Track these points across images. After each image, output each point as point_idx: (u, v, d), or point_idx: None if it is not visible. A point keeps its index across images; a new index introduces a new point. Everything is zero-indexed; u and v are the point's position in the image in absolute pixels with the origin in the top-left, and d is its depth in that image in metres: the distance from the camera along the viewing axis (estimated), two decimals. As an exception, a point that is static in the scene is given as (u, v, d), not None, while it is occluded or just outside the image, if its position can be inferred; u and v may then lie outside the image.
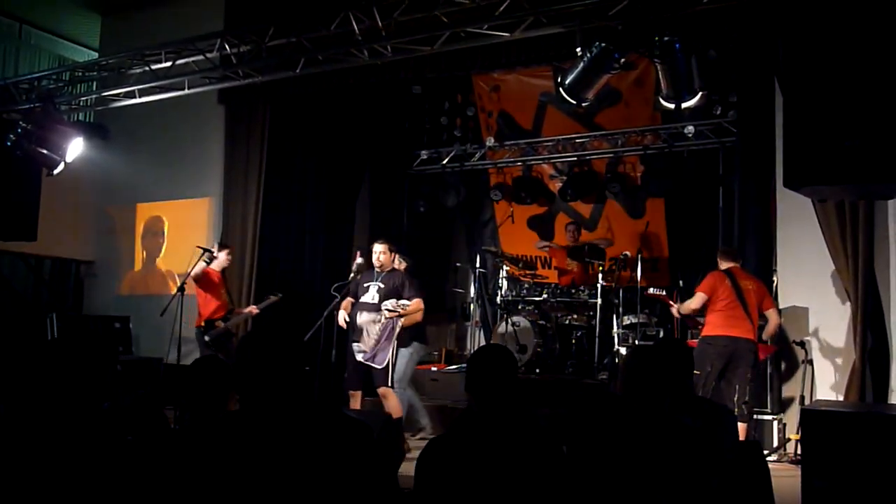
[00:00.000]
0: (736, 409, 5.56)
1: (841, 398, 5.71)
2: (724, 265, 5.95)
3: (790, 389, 6.20)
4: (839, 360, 5.91)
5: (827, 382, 5.99)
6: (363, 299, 6.08)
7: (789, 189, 4.08)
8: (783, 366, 6.33)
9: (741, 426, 5.58)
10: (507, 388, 2.53)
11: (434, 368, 8.12)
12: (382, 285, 6.09)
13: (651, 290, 6.90)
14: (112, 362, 2.99)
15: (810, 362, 5.96)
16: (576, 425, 2.80)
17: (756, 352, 5.74)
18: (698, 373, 5.69)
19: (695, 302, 5.91)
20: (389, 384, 5.89)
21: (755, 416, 6.04)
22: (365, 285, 6.15)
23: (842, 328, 5.93)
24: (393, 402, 5.90)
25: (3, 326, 8.13)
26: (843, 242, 5.76)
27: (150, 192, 9.05)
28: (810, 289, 6.20)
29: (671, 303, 6.42)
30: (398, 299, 6.03)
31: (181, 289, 6.66)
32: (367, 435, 2.12)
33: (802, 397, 5.83)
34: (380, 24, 5.73)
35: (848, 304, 5.82)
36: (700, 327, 6.05)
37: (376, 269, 6.13)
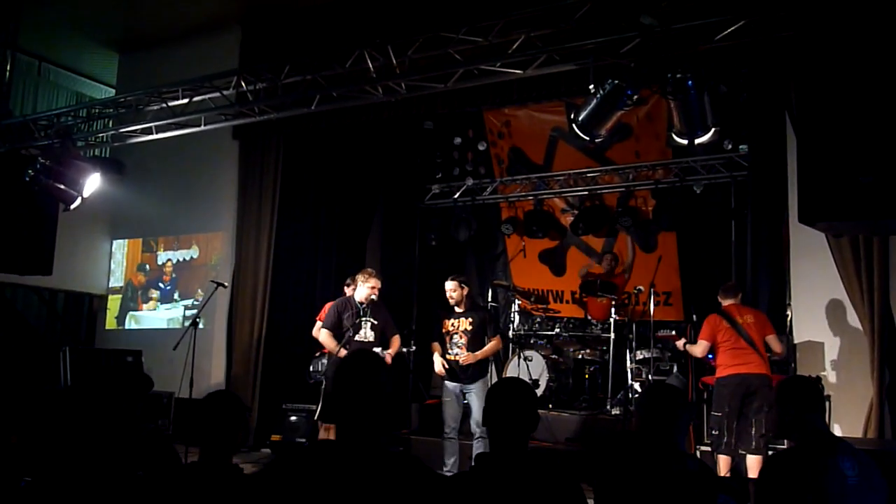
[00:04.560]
0: (754, 444, 5.59)
1: (859, 435, 5.63)
2: (723, 302, 6.02)
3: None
4: (856, 396, 5.83)
5: (844, 419, 5.91)
6: (358, 338, 6.00)
7: (804, 224, 4.08)
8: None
9: (756, 459, 5.56)
10: (526, 423, 2.52)
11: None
12: (375, 321, 6.05)
13: (660, 333, 6.97)
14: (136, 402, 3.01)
15: (827, 398, 5.88)
16: (597, 463, 2.78)
17: (771, 384, 5.70)
18: (718, 414, 5.68)
19: (698, 349, 6.01)
20: None
21: (769, 452, 5.96)
22: (356, 321, 6.05)
23: (858, 363, 5.87)
24: None
25: (17, 360, 8.16)
26: (857, 276, 5.73)
27: (164, 226, 9.13)
28: (825, 323, 6.15)
29: (677, 341, 6.45)
30: (384, 334, 6.12)
31: (194, 323, 6.68)
32: (419, 468, 2.10)
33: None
34: (394, 61, 5.81)
35: (864, 338, 5.77)
36: (711, 362, 6.07)
37: (361, 304, 6.07)
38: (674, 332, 6.82)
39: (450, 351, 6.09)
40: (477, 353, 6.01)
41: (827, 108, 3.91)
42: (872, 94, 3.79)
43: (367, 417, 2.08)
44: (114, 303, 9.48)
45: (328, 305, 6.92)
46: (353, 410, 2.07)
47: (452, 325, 6.12)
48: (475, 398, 5.96)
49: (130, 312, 9.28)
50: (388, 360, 5.97)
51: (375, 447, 2.07)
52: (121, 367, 7.79)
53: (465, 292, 6.13)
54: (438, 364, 6.10)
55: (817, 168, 3.86)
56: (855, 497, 2.74)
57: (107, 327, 9.46)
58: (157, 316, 9.06)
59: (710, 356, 6.08)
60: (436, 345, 6.21)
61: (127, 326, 9.26)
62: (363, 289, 6.10)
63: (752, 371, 5.67)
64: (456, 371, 6.05)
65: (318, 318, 6.94)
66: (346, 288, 7.03)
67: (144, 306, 9.20)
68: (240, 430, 2.85)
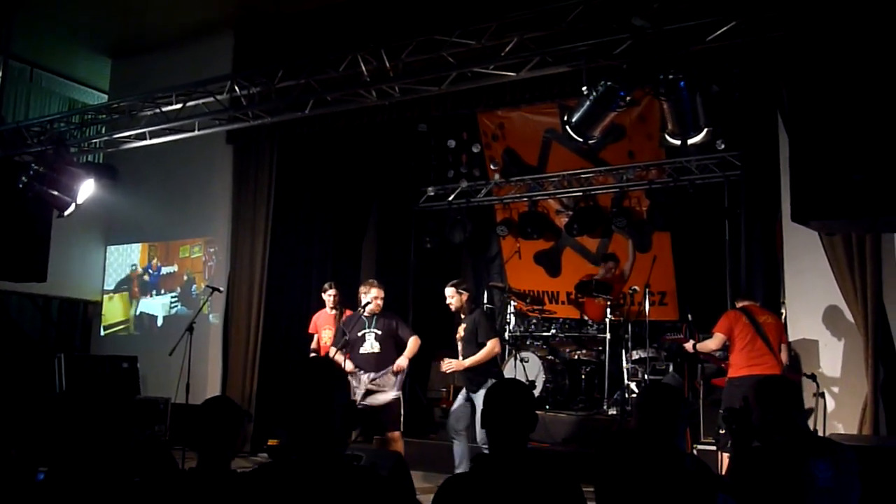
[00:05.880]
0: None
1: (854, 432, 5.66)
2: (739, 303, 6.00)
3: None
4: (851, 394, 5.85)
5: (839, 416, 5.93)
6: (362, 351, 5.95)
7: (797, 223, 4.10)
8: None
9: None
10: (524, 424, 2.52)
11: (444, 406, 8.09)
12: (379, 331, 5.98)
13: (668, 336, 6.98)
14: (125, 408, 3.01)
15: (822, 395, 5.91)
16: (597, 463, 2.79)
17: None
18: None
19: (713, 343, 5.95)
20: (400, 428, 5.88)
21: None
22: (359, 334, 6.00)
23: (853, 361, 5.89)
24: (400, 446, 5.82)
25: (11, 367, 8.13)
26: (851, 274, 5.75)
27: (158, 231, 9.11)
28: (820, 321, 6.16)
29: (685, 343, 6.43)
30: (396, 341, 5.99)
31: (190, 328, 6.67)
32: (378, 482, 2.08)
33: (815, 431, 5.78)
34: (387, 65, 5.81)
35: (858, 336, 5.80)
36: (723, 364, 6.07)
37: (364, 315, 6.03)
38: (680, 335, 6.81)
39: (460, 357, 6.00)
40: (464, 361, 5.84)
41: (818, 106, 3.93)
42: (863, 91, 3.81)
43: (320, 429, 2.05)
44: (112, 304, 9.45)
45: (316, 317, 6.94)
46: (306, 422, 2.04)
47: (458, 332, 6.05)
48: (479, 405, 5.67)
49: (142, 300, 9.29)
50: (402, 366, 5.86)
51: (331, 460, 2.04)
52: (112, 374, 7.77)
53: (465, 298, 5.97)
54: (444, 365, 6.01)
55: (809, 167, 3.88)
56: (824, 499, 2.73)
57: (102, 334, 9.44)
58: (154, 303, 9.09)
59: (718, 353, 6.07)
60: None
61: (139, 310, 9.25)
62: (365, 300, 6.05)
63: (765, 372, 5.61)
64: (463, 379, 5.96)
65: (309, 331, 6.93)
66: (322, 294, 7.02)
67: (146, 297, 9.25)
68: (238, 436, 2.85)
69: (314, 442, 2.03)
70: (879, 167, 3.69)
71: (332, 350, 6.19)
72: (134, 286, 9.33)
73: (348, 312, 6.76)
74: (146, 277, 9.24)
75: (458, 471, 5.77)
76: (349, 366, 5.90)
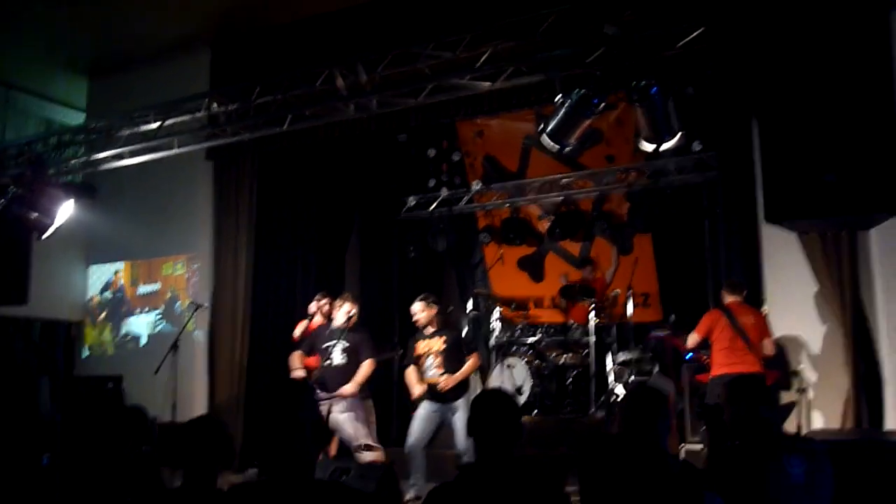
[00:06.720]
0: None
1: (837, 426, 5.74)
2: (726, 299, 6.07)
3: (786, 419, 6.22)
4: (834, 388, 5.93)
5: (822, 411, 6.01)
6: (328, 363, 5.88)
7: (771, 223, 4.17)
8: (778, 396, 6.35)
9: None
10: (509, 433, 2.55)
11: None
12: (347, 344, 5.90)
13: (653, 334, 7.06)
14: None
15: (804, 391, 5.99)
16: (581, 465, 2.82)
17: (764, 382, 5.80)
18: None
19: (689, 341, 6.10)
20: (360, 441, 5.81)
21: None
22: (325, 346, 5.93)
23: (834, 356, 5.97)
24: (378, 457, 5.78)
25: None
26: (828, 270, 5.85)
27: (139, 250, 9.05)
28: (800, 318, 6.26)
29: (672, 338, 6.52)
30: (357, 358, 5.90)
31: (174, 346, 6.64)
32: (347, 497, 2.10)
33: (799, 427, 5.85)
34: (364, 79, 5.85)
35: (838, 331, 5.88)
36: (705, 360, 6.15)
37: (335, 328, 6.00)
38: (669, 333, 6.90)
39: (426, 374, 5.88)
40: (456, 374, 5.79)
41: (788, 107, 4.01)
42: (832, 93, 3.89)
43: (288, 448, 2.10)
44: (97, 326, 9.40)
45: (301, 324, 6.93)
46: (273, 441, 2.10)
47: (425, 346, 5.93)
48: (461, 416, 5.66)
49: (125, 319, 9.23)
50: (347, 392, 5.72)
51: (299, 478, 2.06)
52: (104, 396, 7.71)
53: (434, 311, 5.97)
54: (417, 390, 5.87)
55: (781, 167, 3.96)
56: (798, 495, 2.79)
57: (86, 354, 9.37)
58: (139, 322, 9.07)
59: (688, 356, 6.15)
60: (409, 371, 6.01)
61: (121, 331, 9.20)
62: (337, 314, 6.07)
63: (745, 370, 5.72)
64: (436, 392, 5.85)
65: (293, 339, 6.92)
66: (312, 305, 7.01)
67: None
68: (222, 454, 2.85)
69: (282, 460, 2.05)
70: (849, 167, 3.77)
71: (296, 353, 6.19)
72: (94, 311, 9.34)
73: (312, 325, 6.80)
74: (108, 296, 9.24)
75: (411, 483, 5.75)
76: (299, 372, 5.87)
